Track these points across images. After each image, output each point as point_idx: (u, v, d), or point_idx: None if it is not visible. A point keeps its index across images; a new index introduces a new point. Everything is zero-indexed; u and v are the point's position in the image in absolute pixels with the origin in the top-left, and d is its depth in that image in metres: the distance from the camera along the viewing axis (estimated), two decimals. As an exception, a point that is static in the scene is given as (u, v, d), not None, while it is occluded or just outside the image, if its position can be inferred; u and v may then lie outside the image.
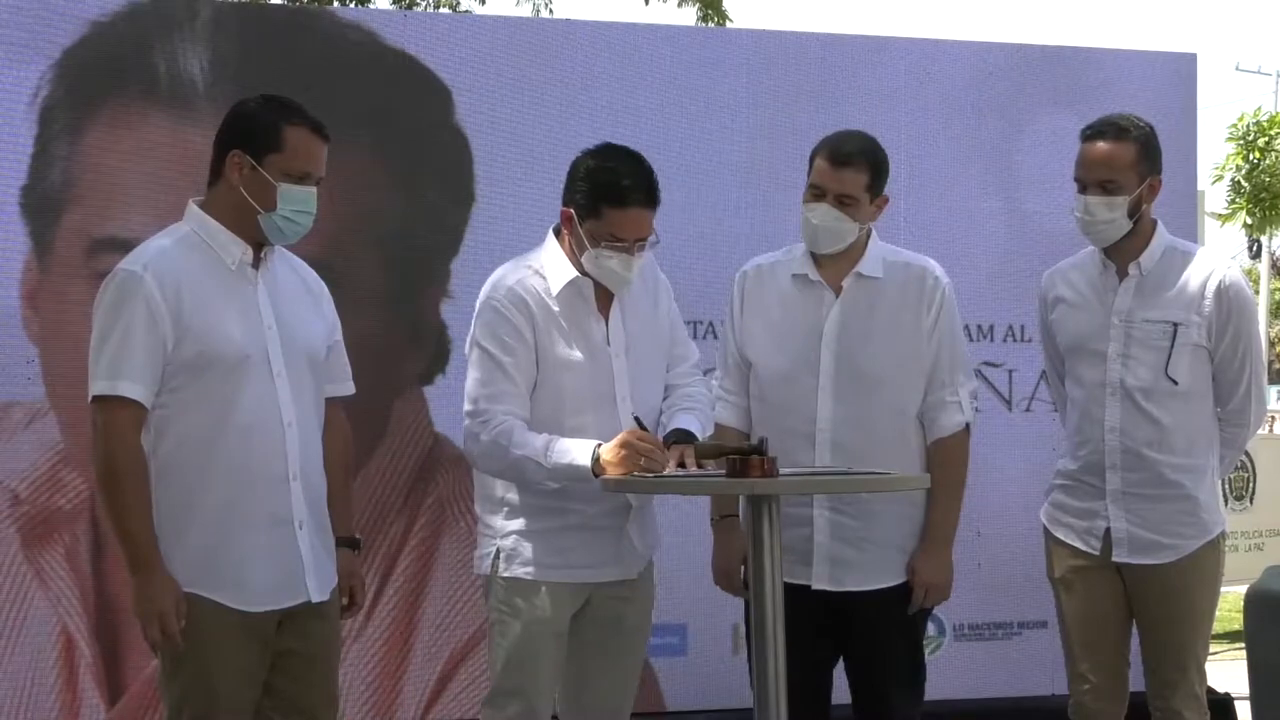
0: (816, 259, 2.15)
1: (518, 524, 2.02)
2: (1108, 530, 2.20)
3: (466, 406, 2.01)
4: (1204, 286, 2.19)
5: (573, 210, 2.02)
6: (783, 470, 1.91)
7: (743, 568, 2.12)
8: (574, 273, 2.03)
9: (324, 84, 2.81)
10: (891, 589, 2.13)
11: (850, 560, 2.12)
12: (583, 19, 3.27)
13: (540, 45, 3.00)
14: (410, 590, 2.87)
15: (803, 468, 2.06)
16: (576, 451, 1.92)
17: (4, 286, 2.72)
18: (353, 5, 7.12)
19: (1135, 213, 2.19)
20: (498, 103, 2.94)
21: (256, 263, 1.84)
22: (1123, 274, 2.23)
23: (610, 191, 1.98)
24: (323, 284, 1.95)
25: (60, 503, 2.71)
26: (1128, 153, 2.17)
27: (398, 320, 2.95)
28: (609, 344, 2.02)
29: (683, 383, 2.12)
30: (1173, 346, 2.16)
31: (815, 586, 2.12)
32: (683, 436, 1.98)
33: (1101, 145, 2.18)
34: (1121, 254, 2.23)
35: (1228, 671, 3.79)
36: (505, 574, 2.01)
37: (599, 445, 1.92)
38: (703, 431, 2.03)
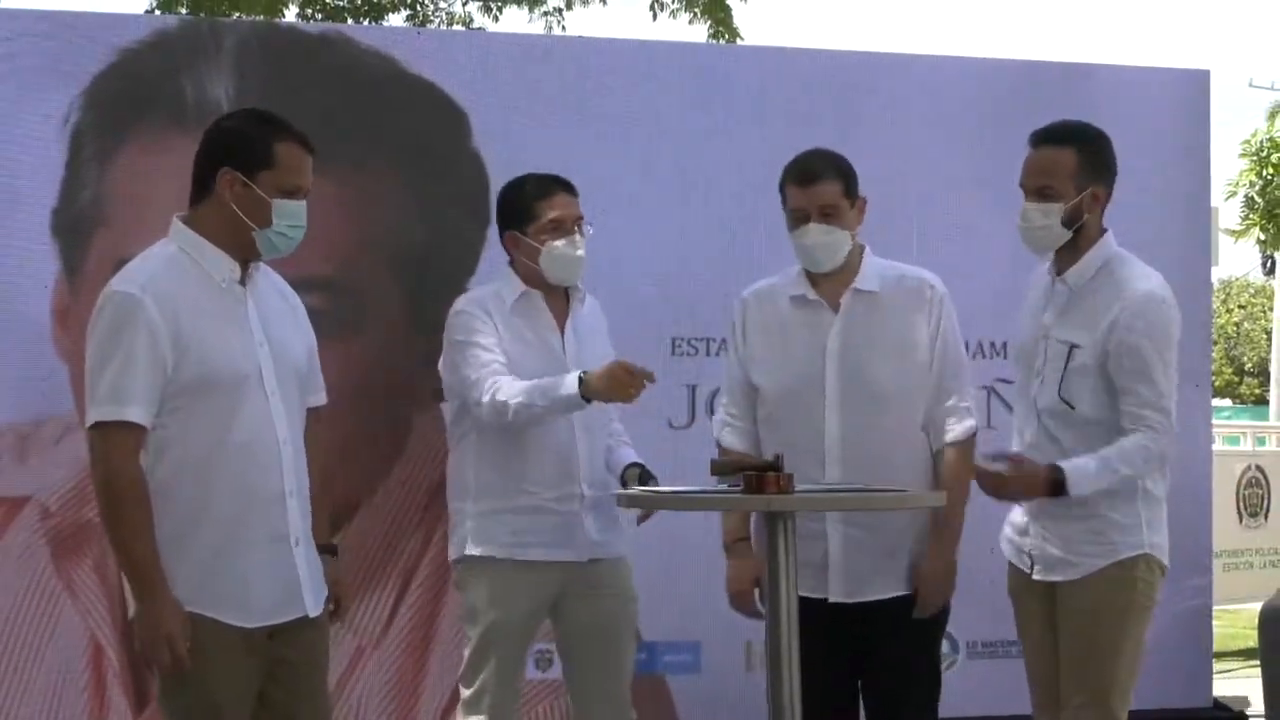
0: (813, 279, 2.17)
1: (480, 505, 2.21)
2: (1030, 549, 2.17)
3: (468, 393, 2.20)
4: (1110, 309, 2.06)
5: (514, 230, 2.27)
6: (816, 487, 1.95)
7: (757, 589, 2.16)
8: (524, 287, 2.26)
9: (345, 108, 2.87)
10: (906, 598, 2.15)
11: (865, 571, 2.14)
12: (595, 36, 3.31)
13: (553, 62, 3.04)
14: (427, 601, 2.90)
15: (815, 484, 2.08)
16: (564, 383, 2.12)
17: (29, 304, 2.78)
18: (366, 22, 7.20)
19: (1073, 223, 2.09)
20: (511, 120, 2.98)
21: (243, 279, 1.85)
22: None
23: (534, 189, 2.27)
24: (296, 296, 1.93)
25: (90, 516, 2.74)
26: (1065, 159, 2.09)
27: (416, 338, 2.99)
28: (564, 353, 2.23)
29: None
30: (1066, 368, 2.07)
31: (832, 599, 2.14)
32: (641, 470, 2.22)
33: (1041, 150, 2.11)
34: (1060, 267, 2.14)
35: (1243, 688, 3.77)
36: (469, 552, 2.20)
37: (584, 371, 2.10)
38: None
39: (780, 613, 1.89)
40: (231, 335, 1.81)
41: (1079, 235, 2.12)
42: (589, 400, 2.09)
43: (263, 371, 1.81)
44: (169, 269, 1.82)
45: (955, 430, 2.17)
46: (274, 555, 1.81)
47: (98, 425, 1.77)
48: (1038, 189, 2.13)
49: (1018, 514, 2.23)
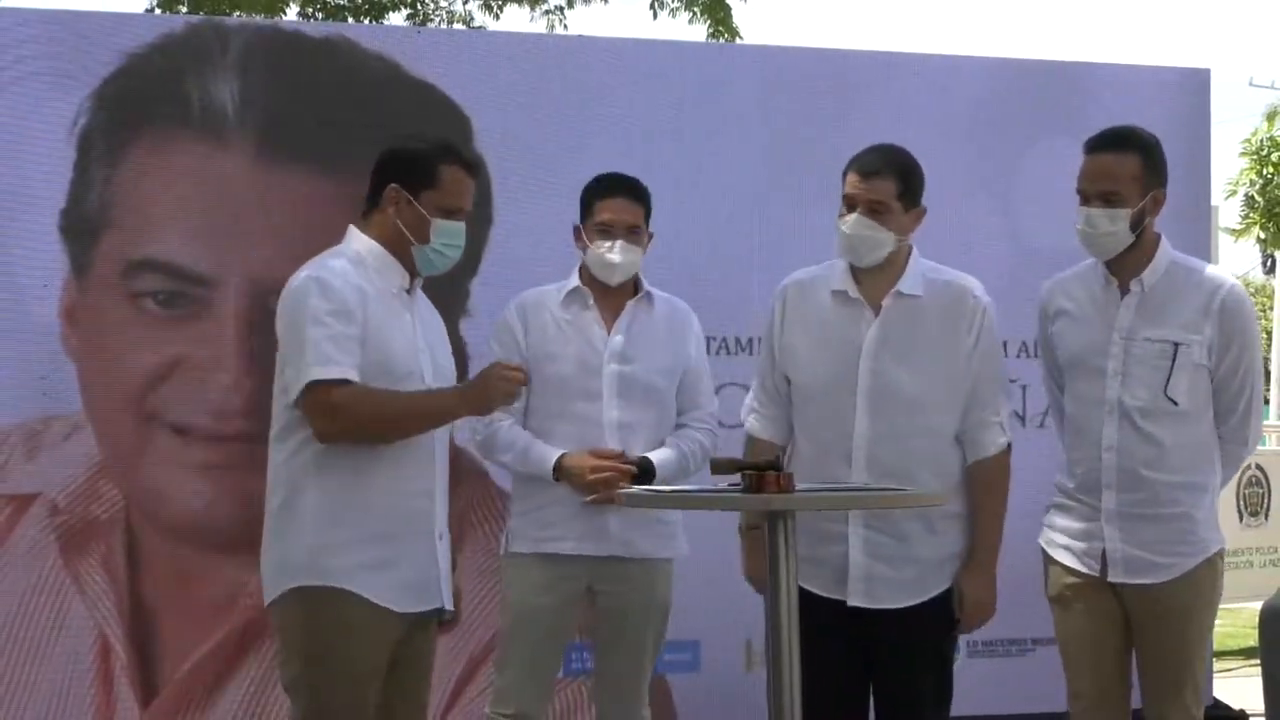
0: (857, 275, 2.15)
1: (519, 505, 2.33)
2: (1104, 551, 2.17)
3: None
4: (1207, 306, 2.15)
5: (580, 223, 2.33)
6: (819, 486, 1.95)
7: None
8: (578, 283, 2.32)
9: (348, 112, 2.89)
10: (924, 605, 2.14)
11: (885, 577, 2.13)
12: (596, 35, 3.32)
13: (554, 62, 3.06)
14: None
15: (839, 484, 2.08)
16: (545, 460, 2.26)
17: (37, 303, 2.80)
18: (367, 21, 7.23)
19: (1138, 226, 2.13)
20: (512, 120, 3.00)
21: (409, 289, 1.97)
22: (1125, 289, 2.16)
23: (596, 186, 2.33)
24: (442, 321, 2.07)
25: (97, 512, 2.80)
26: (1130, 164, 2.13)
27: (420, 338, 3.00)
28: (604, 352, 2.27)
29: (689, 423, 2.35)
30: (1173, 366, 2.12)
31: (851, 603, 2.12)
32: (642, 463, 2.26)
33: (1103, 156, 2.14)
34: (1124, 269, 2.16)
35: (1242, 687, 3.78)
36: (510, 550, 2.31)
37: (563, 455, 2.24)
38: (673, 468, 2.29)
39: (780, 612, 1.88)
40: (402, 334, 1.92)
41: (1140, 238, 2.16)
42: (559, 480, 2.24)
43: (424, 373, 1.94)
44: (352, 266, 1.92)
45: (988, 446, 2.15)
46: (420, 547, 1.91)
47: (312, 385, 1.83)
48: (1102, 194, 2.14)
49: (1071, 519, 2.22)
